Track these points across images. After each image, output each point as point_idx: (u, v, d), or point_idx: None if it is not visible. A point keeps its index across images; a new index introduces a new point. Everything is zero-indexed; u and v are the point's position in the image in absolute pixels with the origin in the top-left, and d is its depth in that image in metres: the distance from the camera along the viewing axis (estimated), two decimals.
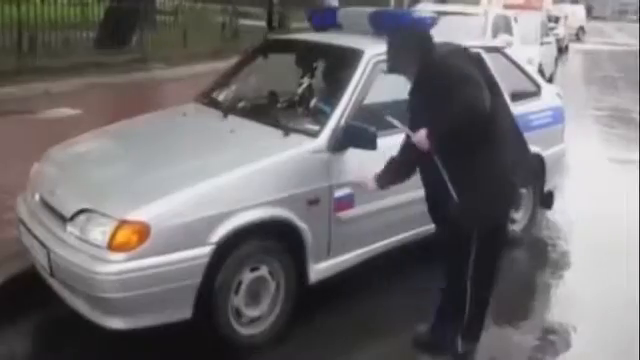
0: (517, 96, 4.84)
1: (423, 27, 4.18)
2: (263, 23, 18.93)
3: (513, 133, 3.38)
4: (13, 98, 8.29)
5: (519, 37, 10.47)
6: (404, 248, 4.19)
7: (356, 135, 3.59)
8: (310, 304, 3.71)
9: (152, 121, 4.46)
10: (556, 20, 22.07)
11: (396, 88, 4.21)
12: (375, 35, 4.34)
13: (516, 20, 10.85)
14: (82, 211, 3.20)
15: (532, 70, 5.24)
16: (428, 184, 3.41)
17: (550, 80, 12.79)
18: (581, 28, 31.96)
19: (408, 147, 3.29)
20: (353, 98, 3.79)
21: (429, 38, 3.34)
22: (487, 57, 4.63)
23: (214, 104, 4.32)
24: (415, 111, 3.31)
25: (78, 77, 9.73)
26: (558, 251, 5.21)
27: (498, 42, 8.95)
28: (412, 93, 3.31)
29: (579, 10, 32.83)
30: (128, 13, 12.31)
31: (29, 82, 9.09)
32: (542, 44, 11.85)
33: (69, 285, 3.22)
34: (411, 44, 3.28)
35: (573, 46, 25.49)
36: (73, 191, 3.46)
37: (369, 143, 3.55)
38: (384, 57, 3.96)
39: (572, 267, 4.91)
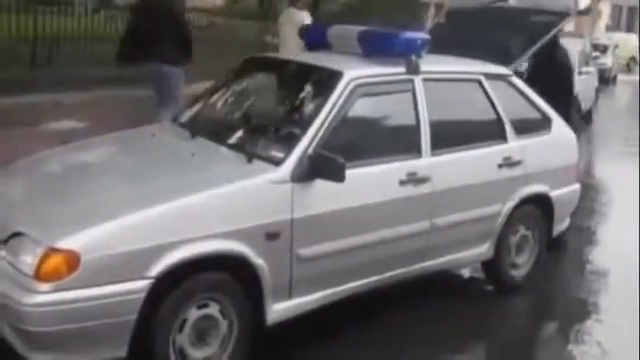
0: (524, 129, 4.44)
1: (413, 49, 3.90)
2: None
3: None
4: (21, 108, 8.13)
5: None
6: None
7: (323, 165, 3.27)
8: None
9: (116, 141, 4.20)
10: (604, 49, 21.05)
11: (379, 115, 3.94)
12: (363, 56, 4.03)
13: None
14: (16, 234, 2.96)
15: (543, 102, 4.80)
16: None
17: (589, 113, 12.16)
18: (632, 58, 29.89)
19: None
20: (325, 124, 3.46)
21: None
22: (489, 85, 4.33)
23: (186, 124, 4.03)
24: None
25: (93, 90, 9.58)
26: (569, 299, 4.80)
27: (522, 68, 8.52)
28: None
29: (632, 39, 30.64)
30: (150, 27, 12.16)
31: (41, 93, 8.96)
32: (580, 74, 11.18)
33: (1, 315, 2.94)
34: None
35: (622, 77, 24.00)
36: (13, 212, 3.20)
37: (337, 175, 3.23)
38: (366, 80, 3.72)
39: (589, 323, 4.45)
